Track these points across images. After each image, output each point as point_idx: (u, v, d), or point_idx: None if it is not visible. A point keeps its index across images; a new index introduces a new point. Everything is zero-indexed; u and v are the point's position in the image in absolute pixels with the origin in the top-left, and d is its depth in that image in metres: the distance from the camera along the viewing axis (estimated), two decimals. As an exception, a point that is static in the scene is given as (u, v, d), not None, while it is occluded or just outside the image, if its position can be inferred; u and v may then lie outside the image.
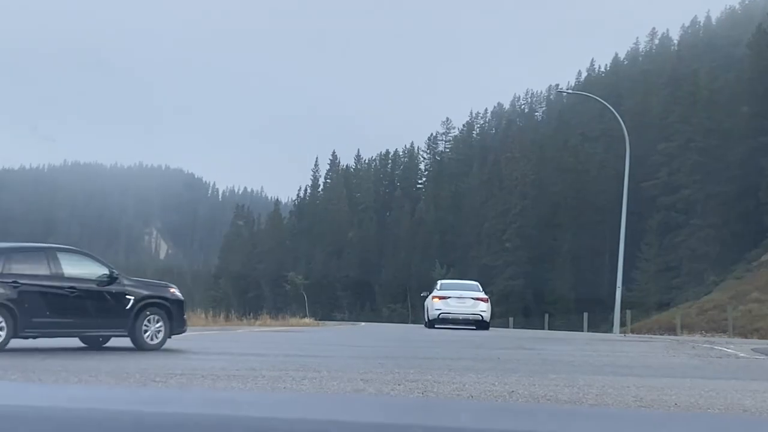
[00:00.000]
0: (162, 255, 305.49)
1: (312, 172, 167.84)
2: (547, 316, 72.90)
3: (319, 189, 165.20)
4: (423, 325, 38.62)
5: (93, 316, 16.99)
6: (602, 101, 61.51)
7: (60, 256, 16.97)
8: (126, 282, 17.57)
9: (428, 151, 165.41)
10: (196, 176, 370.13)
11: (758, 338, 42.59)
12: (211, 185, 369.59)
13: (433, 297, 35.28)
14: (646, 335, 43.47)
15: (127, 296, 17.48)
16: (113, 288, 17.33)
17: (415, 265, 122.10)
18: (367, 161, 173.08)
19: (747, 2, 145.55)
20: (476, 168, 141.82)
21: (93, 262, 17.66)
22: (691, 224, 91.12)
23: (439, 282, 37.76)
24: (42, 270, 16.43)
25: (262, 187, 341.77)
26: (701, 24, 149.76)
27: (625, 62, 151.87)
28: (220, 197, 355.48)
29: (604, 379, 11.88)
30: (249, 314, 54.30)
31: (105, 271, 17.42)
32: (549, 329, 59.77)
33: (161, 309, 17.85)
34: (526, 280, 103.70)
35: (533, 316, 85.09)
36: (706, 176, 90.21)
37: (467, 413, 1.59)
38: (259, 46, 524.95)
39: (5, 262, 15.99)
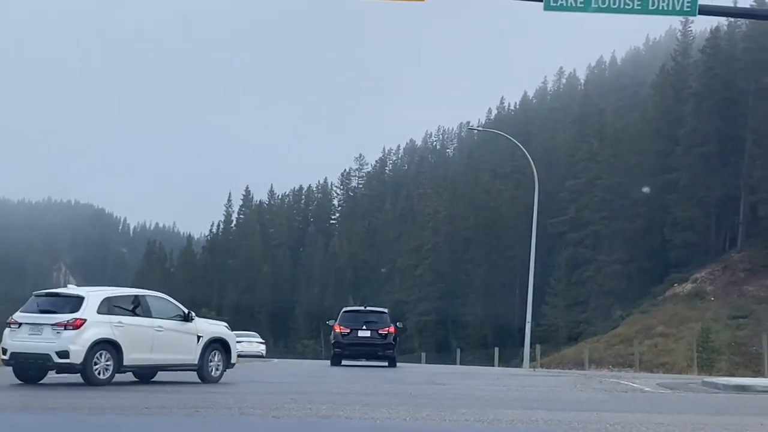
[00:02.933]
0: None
1: (225, 208, 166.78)
2: (459, 350, 73.41)
3: (233, 224, 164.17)
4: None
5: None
6: (512, 139, 62.53)
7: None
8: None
9: (341, 187, 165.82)
10: (106, 211, 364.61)
11: (663, 372, 43.45)
12: (121, 220, 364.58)
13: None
14: (555, 370, 44.10)
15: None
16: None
17: (329, 300, 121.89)
18: (280, 197, 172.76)
19: (651, 44, 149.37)
20: (389, 204, 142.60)
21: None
22: (598, 260, 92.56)
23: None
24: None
25: (174, 223, 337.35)
26: (607, 64, 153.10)
27: (534, 100, 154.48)
28: (131, 233, 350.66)
29: (513, 413, 12.13)
30: None
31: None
32: (461, 364, 60.20)
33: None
34: (438, 315, 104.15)
35: (445, 351, 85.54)
36: (613, 213, 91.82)
37: None
38: (171, 80, 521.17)
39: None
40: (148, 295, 20.40)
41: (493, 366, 51.29)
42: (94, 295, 19.63)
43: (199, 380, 19.79)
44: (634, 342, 57.27)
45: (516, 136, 72.28)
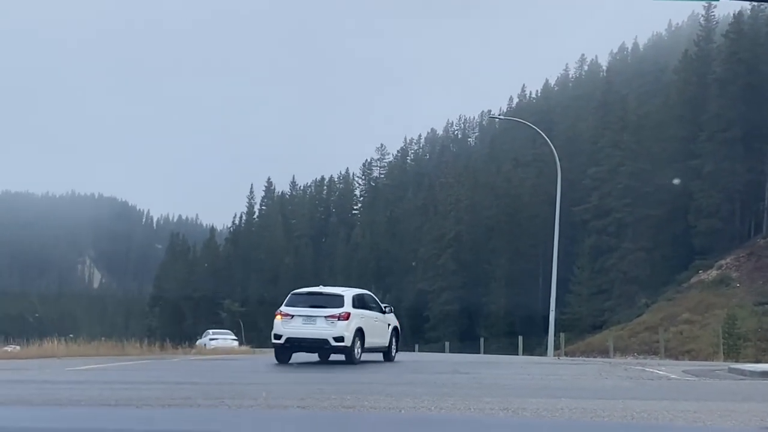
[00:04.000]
0: (96, 284, 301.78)
1: (247, 199, 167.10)
2: (482, 340, 73.30)
3: (255, 216, 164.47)
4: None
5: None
6: (534, 127, 62.24)
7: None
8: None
9: (363, 177, 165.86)
10: (129, 204, 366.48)
11: (689, 359, 43.23)
12: (145, 213, 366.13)
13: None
14: (580, 358, 43.96)
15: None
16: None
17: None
18: (302, 188, 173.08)
19: (673, 29, 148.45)
20: (411, 193, 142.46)
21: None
22: (622, 247, 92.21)
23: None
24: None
25: (197, 215, 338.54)
26: (629, 50, 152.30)
27: (556, 88, 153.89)
28: (154, 225, 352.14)
29: (538, 402, 12.06)
30: (184, 343, 53.74)
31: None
32: (484, 353, 60.14)
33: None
34: (461, 305, 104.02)
35: (469, 341, 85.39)
36: (636, 200, 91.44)
37: (381, 425, 1.60)
38: (194, 72, 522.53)
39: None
40: (366, 294, 26.75)
41: (517, 355, 51.18)
42: (347, 294, 25.69)
43: (384, 360, 26.10)
44: (659, 329, 57.04)
45: (538, 124, 71.97)
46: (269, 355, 28.15)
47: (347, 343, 24.34)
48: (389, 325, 26.67)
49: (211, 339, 54.74)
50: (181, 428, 1.46)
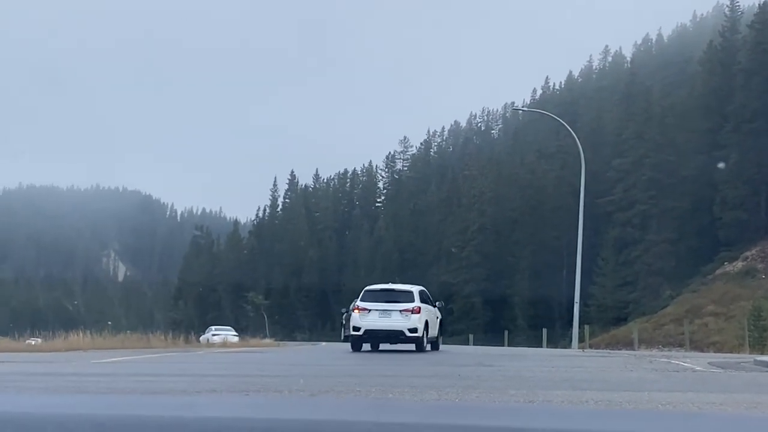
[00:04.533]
0: (120, 277, 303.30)
1: (271, 192, 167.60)
2: (506, 332, 73.23)
3: (278, 209, 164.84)
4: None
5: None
6: (557, 118, 62.08)
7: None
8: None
9: (386, 170, 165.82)
10: (153, 197, 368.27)
11: (714, 351, 43.02)
12: (169, 206, 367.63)
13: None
14: (604, 350, 43.83)
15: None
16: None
17: (375, 283, 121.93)
18: (325, 180, 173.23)
19: (698, 20, 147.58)
20: (434, 186, 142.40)
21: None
22: (646, 239, 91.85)
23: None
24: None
25: (220, 208, 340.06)
26: (653, 41, 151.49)
27: (579, 80, 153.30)
28: (178, 218, 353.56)
29: (563, 394, 12.03)
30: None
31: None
32: (509, 345, 60.04)
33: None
34: (485, 297, 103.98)
35: (493, 333, 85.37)
36: (661, 192, 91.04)
37: (419, 410, 1.62)
38: (217, 66, 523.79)
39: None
40: (424, 290, 30.09)
41: (541, 347, 51.06)
42: (415, 290, 29.30)
43: (431, 350, 29.41)
44: (684, 321, 56.82)
45: (561, 116, 71.77)
46: (294, 348, 28.44)
47: (419, 333, 28.02)
48: (437, 317, 30.46)
49: (213, 334, 57.04)
50: (215, 414, 1.49)
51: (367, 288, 30.65)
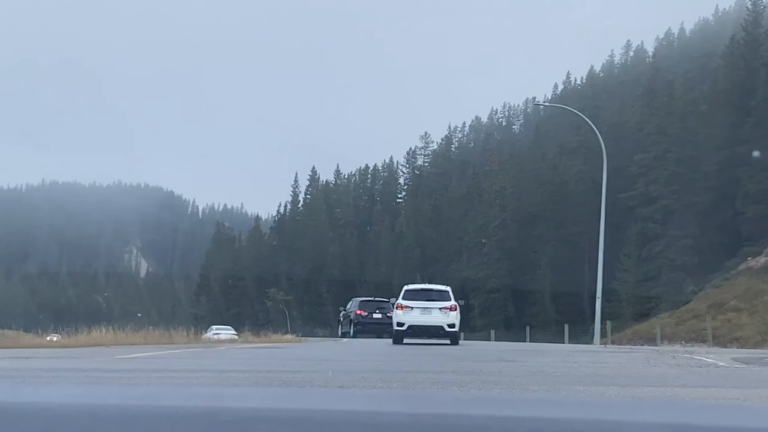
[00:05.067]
0: (143, 273, 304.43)
1: (292, 188, 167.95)
2: (528, 328, 73.17)
3: (299, 205, 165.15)
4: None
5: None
6: (579, 113, 61.89)
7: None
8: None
9: (407, 166, 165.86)
10: (175, 194, 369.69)
11: (738, 347, 42.84)
12: (190, 202, 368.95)
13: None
14: (627, 346, 43.71)
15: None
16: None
17: (396, 279, 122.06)
18: (346, 176, 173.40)
19: (720, 14, 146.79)
20: (455, 181, 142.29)
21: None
22: (669, 234, 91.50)
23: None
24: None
25: (242, 204, 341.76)
26: (675, 36, 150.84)
27: (601, 74, 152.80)
28: (200, 214, 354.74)
29: (585, 389, 12.01)
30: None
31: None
32: (530, 341, 59.97)
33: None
34: (506, 293, 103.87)
35: (514, 329, 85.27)
36: (683, 186, 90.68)
37: (448, 401, 1.63)
38: (238, 63, 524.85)
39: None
40: (451, 289, 33.75)
41: (563, 343, 50.98)
42: (449, 290, 33.37)
43: (450, 344, 31.53)
44: (706, 317, 56.60)
45: (583, 111, 71.57)
46: (317, 343, 28.50)
47: (456, 329, 32.14)
48: (459, 314, 33.11)
49: (215, 333, 60.54)
50: (240, 405, 1.51)
51: (407, 287, 34.09)
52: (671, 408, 1.83)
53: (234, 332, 65.71)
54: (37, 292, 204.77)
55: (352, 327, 50.50)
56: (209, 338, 52.13)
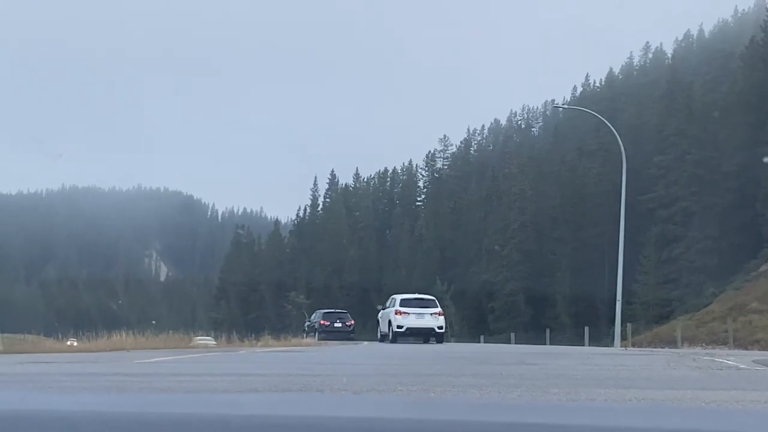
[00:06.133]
0: (162, 277, 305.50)
1: (311, 192, 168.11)
2: (548, 330, 72.99)
3: (319, 208, 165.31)
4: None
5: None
6: (598, 116, 61.77)
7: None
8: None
9: (426, 169, 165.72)
10: (194, 198, 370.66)
11: (759, 349, 42.60)
12: (210, 206, 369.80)
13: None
14: (647, 348, 43.53)
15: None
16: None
17: (416, 282, 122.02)
18: (365, 179, 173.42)
19: (739, 15, 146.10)
20: (474, 184, 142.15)
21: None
22: (689, 236, 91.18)
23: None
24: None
25: (261, 208, 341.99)
26: (694, 37, 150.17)
27: (620, 76, 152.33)
28: (219, 218, 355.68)
29: (606, 392, 11.96)
30: (250, 335, 54.70)
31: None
32: (550, 344, 59.79)
33: None
34: (526, 295, 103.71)
35: (534, 331, 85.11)
36: (703, 188, 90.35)
37: (462, 408, 1.63)
38: (257, 66, 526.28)
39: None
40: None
41: (583, 345, 50.82)
42: (435, 299, 42.29)
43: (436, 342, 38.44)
44: (727, 319, 56.32)
45: (602, 113, 71.37)
46: (335, 346, 28.50)
47: (443, 330, 40.06)
48: (444, 319, 41.03)
49: (200, 340, 62.71)
50: (259, 412, 1.52)
51: (403, 297, 42.18)
52: (689, 414, 1.83)
53: (213, 340, 68.37)
54: (56, 297, 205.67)
55: (317, 335, 56.65)
56: (197, 343, 53.70)
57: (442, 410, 1.60)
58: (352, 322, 60.70)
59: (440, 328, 40.08)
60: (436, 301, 42.64)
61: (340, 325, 58.78)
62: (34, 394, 2.37)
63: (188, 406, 1.61)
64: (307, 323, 64.39)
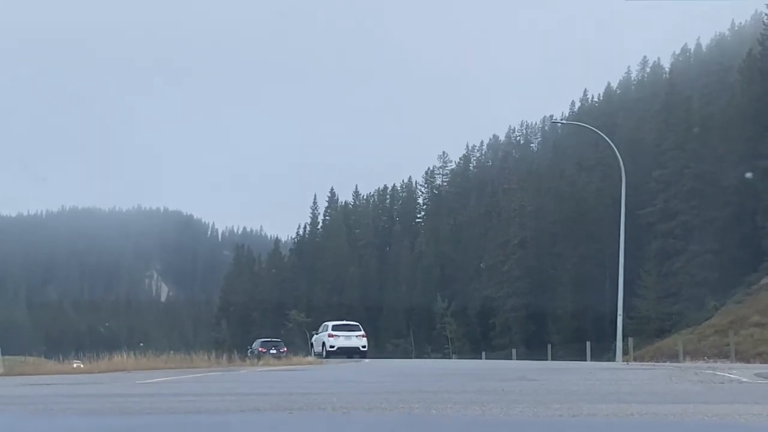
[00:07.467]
0: (163, 297, 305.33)
1: (311, 210, 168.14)
2: (549, 346, 72.91)
3: (319, 226, 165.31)
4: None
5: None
6: (596, 131, 61.91)
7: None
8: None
9: (426, 185, 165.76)
10: (195, 217, 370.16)
11: (761, 363, 42.58)
12: (209, 226, 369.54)
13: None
14: (649, 363, 43.50)
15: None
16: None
17: (417, 299, 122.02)
18: (365, 197, 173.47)
19: (736, 29, 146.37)
20: (474, 200, 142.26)
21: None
22: (689, 250, 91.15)
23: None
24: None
25: (261, 227, 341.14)
26: (692, 51, 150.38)
27: (618, 91, 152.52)
28: (219, 238, 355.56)
29: (608, 407, 11.95)
30: (252, 354, 55.23)
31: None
32: (552, 359, 59.74)
33: None
34: (527, 311, 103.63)
35: (536, 347, 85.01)
36: (703, 202, 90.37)
37: (464, 425, 1.64)
38: (255, 85, 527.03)
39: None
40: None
41: (585, 360, 50.78)
42: (359, 324, 53.81)
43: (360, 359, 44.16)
44: (728, 332, 56.27)
45: (600, 128, 71.49)
46: (337, 364, 28.49)
47: (366, 349, 51.72)
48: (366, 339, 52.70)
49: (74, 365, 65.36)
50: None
51: (334, 323, 54.97)
52: (692, 428, 1.84)
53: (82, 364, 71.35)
54: (57, 318, 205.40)
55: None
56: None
57: (444, 428, 1.64)
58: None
59: (363, 347, 52.04)
60: (360, 326, 54.75)
61: (275, 351, 63.31)
62: (36, 418, 2.40)
63: (182, 429, 1.63)
64: (249, 349, 66.75)
